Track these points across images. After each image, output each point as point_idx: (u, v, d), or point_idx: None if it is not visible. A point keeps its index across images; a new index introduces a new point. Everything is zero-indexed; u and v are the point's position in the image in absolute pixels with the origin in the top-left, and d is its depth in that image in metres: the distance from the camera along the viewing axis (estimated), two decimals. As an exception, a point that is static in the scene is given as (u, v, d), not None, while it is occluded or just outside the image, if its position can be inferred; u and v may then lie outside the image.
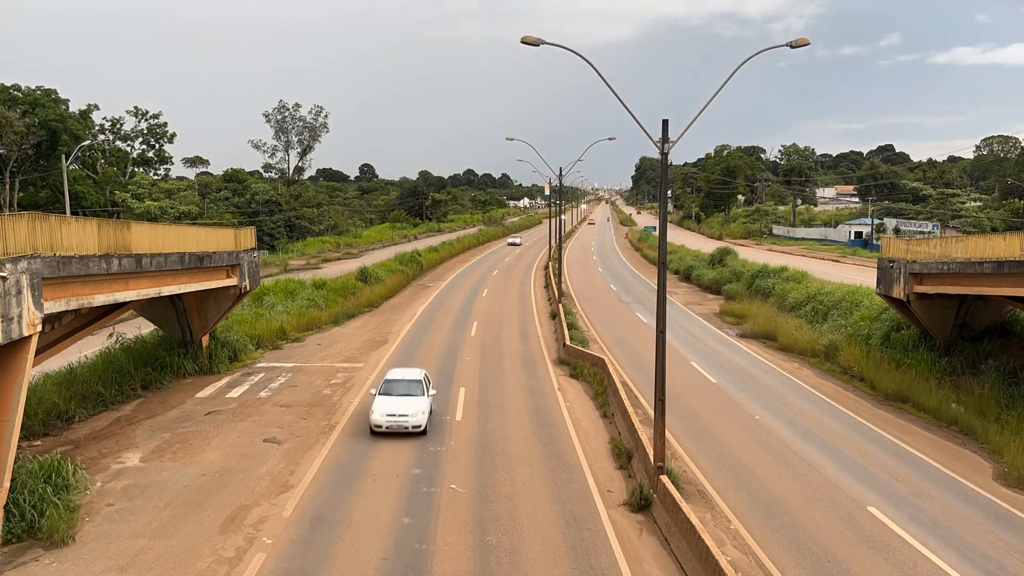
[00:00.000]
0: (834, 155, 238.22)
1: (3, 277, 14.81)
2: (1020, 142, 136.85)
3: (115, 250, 19.88)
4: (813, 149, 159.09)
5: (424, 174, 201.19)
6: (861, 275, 51.74)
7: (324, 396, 27.02)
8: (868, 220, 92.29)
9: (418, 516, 16.91)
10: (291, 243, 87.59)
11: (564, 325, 37.29)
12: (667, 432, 19.00)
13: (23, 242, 15.82)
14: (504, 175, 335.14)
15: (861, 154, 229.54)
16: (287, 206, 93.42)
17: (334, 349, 35.70)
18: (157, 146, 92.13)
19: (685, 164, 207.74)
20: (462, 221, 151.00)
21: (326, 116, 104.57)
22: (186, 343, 29.72)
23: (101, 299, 19.75)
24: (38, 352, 18.23)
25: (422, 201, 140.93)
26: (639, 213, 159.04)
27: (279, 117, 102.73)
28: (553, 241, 70.69)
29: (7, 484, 15.35)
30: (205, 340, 30.32)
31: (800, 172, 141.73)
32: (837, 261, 72.86)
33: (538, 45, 18.20)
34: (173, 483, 18.68)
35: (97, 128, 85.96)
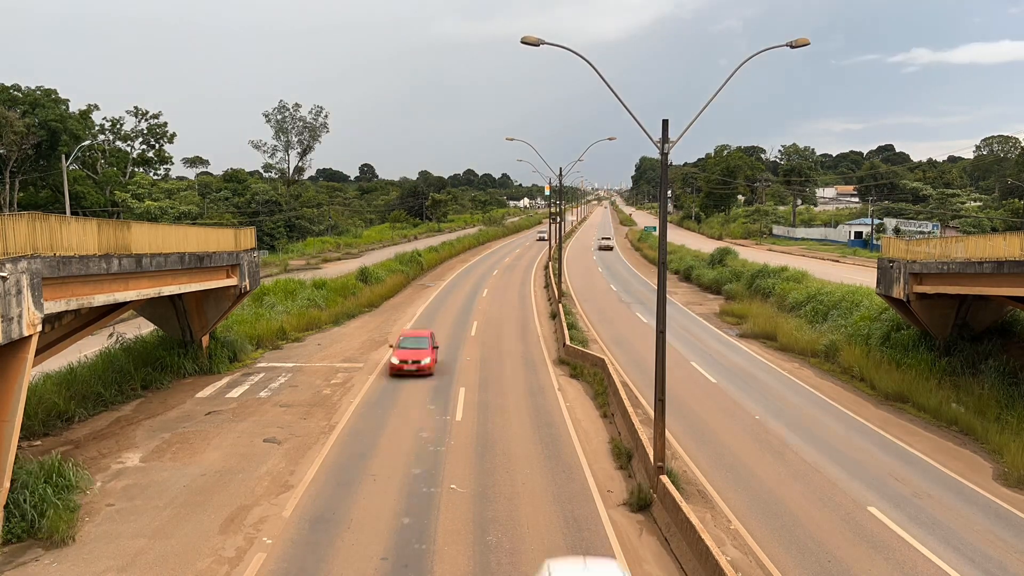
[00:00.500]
0: (834, 155, 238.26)
1: (3, 277, 14.81)
2: (1020, 142, 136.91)
3: (115, 250, 19.88)
4: (813, 149, 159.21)
5: (424, 174, 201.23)
6: (861, 275, 51.75)
7: (324, 396, 27.02)
8: (868, 220, 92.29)
9: (418, 516, 16.91)
10: (291, 243, 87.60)
11: (564, 325, 37.29)
12: (667, 432, 19.01)
13: (23, 242, 15.83)
14: (504, 175, 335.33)
15: (861, 154, 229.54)
16: (287, 206, 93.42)
17: (334, 349, 35.71)
18: (157, 146, 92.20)
19: (685, 164, 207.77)
20: (462, 221, 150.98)
21: (326, 116, 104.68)
22: (186, 343, 29.72)
23: (101, 299, 19.75)
24: (38, 352, 18.23)
25: (422, 201, 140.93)
26: (640, 217, 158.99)
27: (279, 117, 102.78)
28: (553, 241, 70.68)
29: (7, 484, 15.36)
30: (205, 340, 30.33)
31: (800, 172, 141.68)
32: (837, 261, 72.85)
33: (538, 45, 18.20)
34: (173, 483, 18.68)
35: (97, 128, 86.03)
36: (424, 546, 15.48)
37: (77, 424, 23.35)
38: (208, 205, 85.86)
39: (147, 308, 28.50)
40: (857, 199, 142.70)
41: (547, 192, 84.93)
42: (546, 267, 69.01)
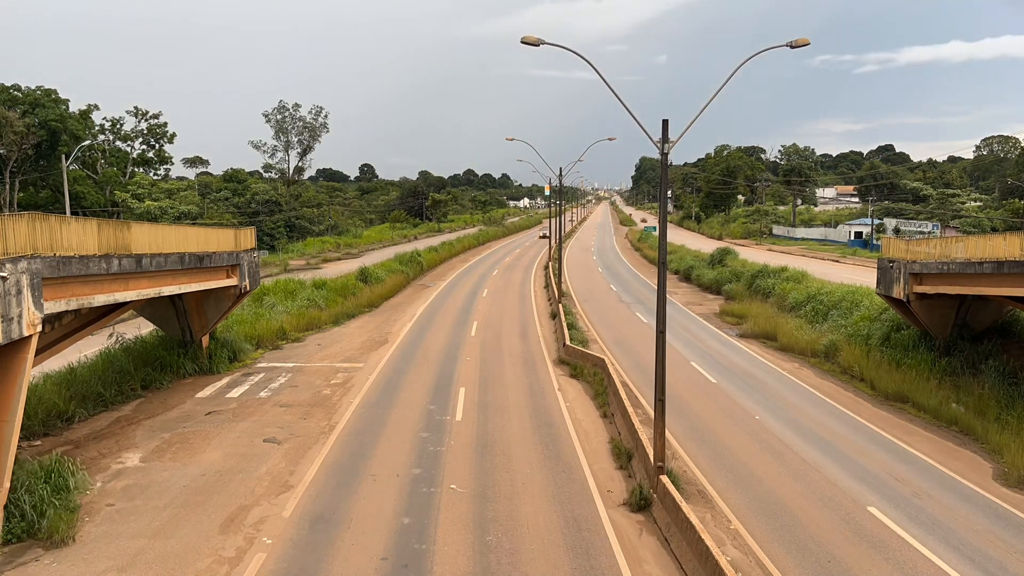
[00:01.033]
0: (834, 155, 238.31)
1: (3, 277, 14.82)
2: (1020, 142, 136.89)
3: (115, 250, 19.89)
4: (813, 149, 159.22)
5: (424, 174, 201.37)
6: (861, 275, 51.76)
7: (324, 396, 27.02)
8: (868, 220, 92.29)
9: (418, 516, 16.91)
10: (291, 243, 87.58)
11: (564, 325, 37.29)
12: (667, 432, 19.02)
13: (23, 242, 15.83)
14: (504, 175, 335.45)
15: (861, 154, 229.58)
16: (287, 206, 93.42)
17: (334, 349, 35.71)
18: (157, 146, 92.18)
19: (685, 164, 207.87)
20: (462, 221, 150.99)
21: (326, 116, 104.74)
22: (186, 343, 29.73)
23: (101, 299, 19.75)
24: (38, 352, 18.24)
25: (422, 201, 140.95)
26: (644, 221, 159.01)
27: (279, 117, 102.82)
28: (553, 241, 70.70)
29: (7, 484, 15.36)
30: (205, 340, 30.33)
31: (800, 172, 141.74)
32: (837, 261, 72.85)
33: (538, 45, 18.20)
34: (173, 483, 18.68)
35: (97, 128, 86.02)
36: (424, 546, 15.48)
37: (77, 424, 23.35)
38: (208, 205, 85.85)
39: (147, 308, 28.50)
40: (857, 199, 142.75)
41: (547, 192, 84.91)
42: (546, 267, 69.00)
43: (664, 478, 17.17)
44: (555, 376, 30.50)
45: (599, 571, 14.61)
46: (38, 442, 21.36)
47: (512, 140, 50.74)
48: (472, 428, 23.38)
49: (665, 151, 16.99)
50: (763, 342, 37.87)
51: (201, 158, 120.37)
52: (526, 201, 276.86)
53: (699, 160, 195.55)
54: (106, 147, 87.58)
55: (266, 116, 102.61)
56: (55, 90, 78.86)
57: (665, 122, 17.13)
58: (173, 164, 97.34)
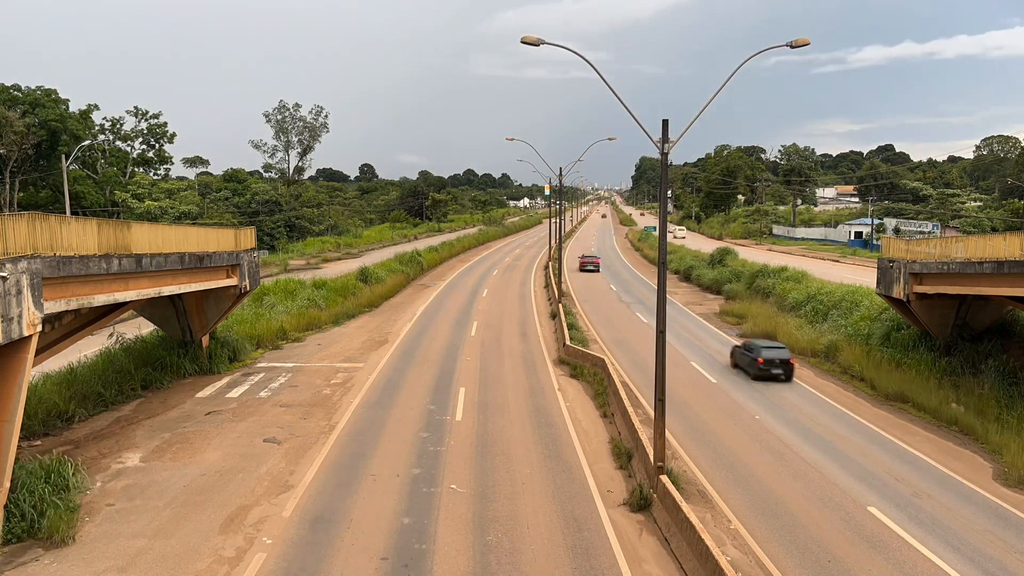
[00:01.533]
0: (834, 155, 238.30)
1: (3, 277, 14.81)
2: (1020, 142, 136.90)
3: (115, 250, 19.88)
4: (813, 149, 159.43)
5: (424, 174, 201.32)
6: (861, 275, 51.76)
7: (324, 396, 27.02)
8: (868, 220, 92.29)
9: (418, 516, 16.91)
10: (291, 243, 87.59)
11: (564, 325, 37.28)
12: (667, 432, 19.02)
13: (23, 242, 15.83)
14: (504, 175, 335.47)
15: (861, 154, 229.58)
16: (287, 206, 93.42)
17: (334, 349, 35.70)
18: (157, 146, 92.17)
19: (685, 164, 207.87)
20: (462, 221, 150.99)
21: (326, 116, 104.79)
22: (186, 343, 29.72)
23: (101, 299, 19.75)
24: (38, 352, 18.24)
25: (422, 201, 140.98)
26: (643, 215, 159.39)
27: (279, 117, 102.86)
28: (553, 241, 70.69)
29: (7, 484, 15.36)
30: (205, 340, 30.32)
31: (800, 172, 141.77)
32: (837, 261, 72.86)
33: (538, 45, 18.20)
34: (173, 483, 18.68)
35: (97, 128, 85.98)
36: (424, 546, 15.48)
37: (77, 424, 23.34)
38: (208, 205, 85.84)
39: (147, 308, 28.49)
40: (857, 199, 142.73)
41: (547, 192, 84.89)
42: (546, 267, 68.99)
43: (664, 478, 17.17)
44: (555, 376, 30.50)
45: (599, 571, 14.61)
46: (38, 442, 21.36)
47: (512, 140, 50.72)
48: (472, 428, 23.38)
49: (665, 151, 16.99)
50: (763, 342, 37.84)
51: (201, 158, 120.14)
52: (526, 201, 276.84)
53: (699, 160, 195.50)
54: (106, 147, 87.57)
55: (266, 116, 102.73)
56: (55, 90, 78.89)
57: (665, 122, 17.13)
58: (173, 164, 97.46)
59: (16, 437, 15.42)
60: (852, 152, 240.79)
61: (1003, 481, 19.84)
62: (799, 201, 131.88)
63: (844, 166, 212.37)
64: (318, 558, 14.92)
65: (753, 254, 74.20)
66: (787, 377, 29.66)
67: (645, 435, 20.12)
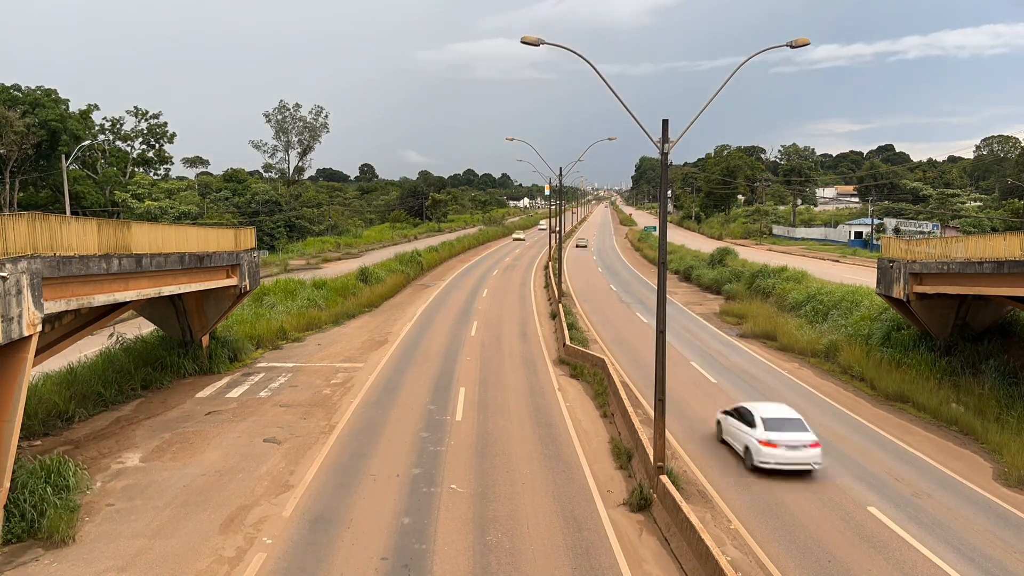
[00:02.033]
0: (834, 155, 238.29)
1: (3, 277, 14.81)
2: (1020, 142, 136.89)
3: (115, 250, 19.88)
4: (813, 149, 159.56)
5: (424, 174, 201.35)
6: (861, 275, 51.76)
7: (324, 396, 27.02)
8: (868, 220, 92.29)
9: (418, 516, 16.91)
10: (291, 243, 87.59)
11: (564, 325, 37.28)
12: (667, 432, 19.01)
13: (23, 242, 15.83)
14: (504, 175, 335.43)
15: (861, 154, 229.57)
16: (287, 206, 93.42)
17: (334, 349, 35.70)
18: (157, 146, 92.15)
19: (685, 164, 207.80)
20: (462, 221, 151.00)
21: (326, 116, 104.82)
22: (186, 343, 29.72)
23: (101, 299, 19.75)
24: (38, 352, 18.23)
25: (422, 201, 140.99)
26: (641, 217, 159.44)
27: (279, 117, 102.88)
28: (553, 241, 70.67)
29: (7, 484, 15.35)
30: (205, 340, 30.32)
31: (800, 172, 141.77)
32: (837, 261, 72.86)
33: (538, 45, 18.21)
34: (173, 483, 18.68)
35: (97, 128, 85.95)
36: (424, 546, 15.47)
37: (77, 424, 23.34)
38: (208, 205, 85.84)
39: (147, 308, 28.49)
40: (857, 199, 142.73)
41: (547, 192, 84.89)
42: (546, 267, 69.00)
43: (664, 478, 17.17)
44: (555, 376, 30.50)
45: (599, 571, 14.61)
46: (38, 442, 21.36)
47: (512, 140, 50.71)
48: (472, 428, 23.38)
49: (665, 151, 16.99)
50: (763, 342, 37.87)
51: (201, 158, 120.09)
52: (526, 201, 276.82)
53: (699, 160, 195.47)
54: (106, 147, 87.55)
55: (267, 116, 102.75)
56: (55, 90, 78.83)
57: (665, 122, 17.13)
58: (173, 164, 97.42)
59: (16, 437, 15.42)
60: (852, 152, 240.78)
61: (1003, 481, 19.84)
62: (799, 201, 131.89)
63: (844, 166, 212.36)
64: (318, 558, 14.92)
65: (753, 254, 74.20)
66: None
67: (645, 435, 20.12)
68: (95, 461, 20.04)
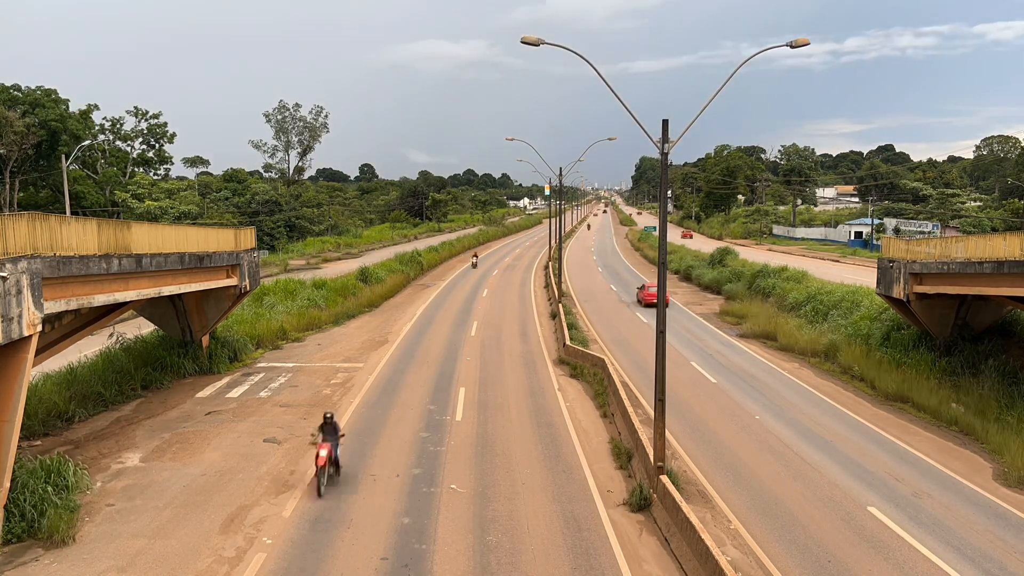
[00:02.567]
0: (834, 155, 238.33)
1: (3, 277, 14.81)
2: (1020, 142, 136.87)
3: (115, 250, 19.88)
4: (813, 149, 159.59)
5: (424, 174, 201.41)
6: (861, 275, 51.76)
7: (324, 396, 27.02)
8: (868, 220, 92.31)
9: (418, 516, 16.91)
10: (291, 243, 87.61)
11: (564, 325, 37.29)
12: (667, 432, 19.01)
13: (23, 242, 15.82)
14: (504, 175, 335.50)
15: (861, 154, 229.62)
16: (287, 206, 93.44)
17: (334, 349, 35.71)
18: (157, 146, 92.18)
19: (685, 164, 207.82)
20: (462, 221, 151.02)
21: (326, 116, 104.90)
22: (186, 343, 29.72)
23: (101, 299, 19.75)
24: (38, 352, 18.23)
25: (422, 201, 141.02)
26: (639, 214, 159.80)
27: (279, 117, 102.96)
28: (553, 241, 70.68)
29: (7, 484, 15.35)
30: (205, 340, 30.32)
31: (800, 172, 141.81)
32: (837, 261, 72.86)
33: (538, 45, 18.20)
34: (173, 483, 18.68)
35: (97, 128, 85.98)
36: (424, 546, 15.48)
37: (77, 424, 23.34)
38: (208, 205, 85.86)
39: (147, 308, 28.49)
40: (857, 199, 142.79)
41: (547, 192, 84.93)
42: (546, 267, 69.00)
43: (664, 478, 17.17)
44: (555, 376, 30.50)
45: (599, 571, 14.61)
46: (38, 442, 21.36)
47: (512, 140, 50.72)
48: (472, 428, 23.38)
49: (665, 151, 16.99)
50: (763, 342, 37.87)
51: (201, 158, 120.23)
52: (526, 201, 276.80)
53: (699, 160, 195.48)
54: (106, 147, 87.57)
55: (266, 116, 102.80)
56: (55, 90, 78.84)
57: (665, 122, 17.13)
58: (173, 164, 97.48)
59: (16, 437, 15.42)
60: (852, 152, 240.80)
61: (1003, 481, 19.84)
62: (799, 201, 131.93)
63: (844, 166, 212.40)
64: (318, 558, 14.92)
65: (753, 254, 74.21)
66: None
67: (645, 435, 20.12)
68: (95, 461, 20.04)
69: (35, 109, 75.43)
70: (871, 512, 17.61)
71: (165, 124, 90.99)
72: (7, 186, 73.17)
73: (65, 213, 51.90)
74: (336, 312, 44.33)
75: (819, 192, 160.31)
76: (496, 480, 19.10)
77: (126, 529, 16.10)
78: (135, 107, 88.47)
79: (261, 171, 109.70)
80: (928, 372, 27.82)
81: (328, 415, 18.85)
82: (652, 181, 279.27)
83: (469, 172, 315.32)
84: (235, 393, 27.26)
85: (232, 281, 28.62)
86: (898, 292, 29.00)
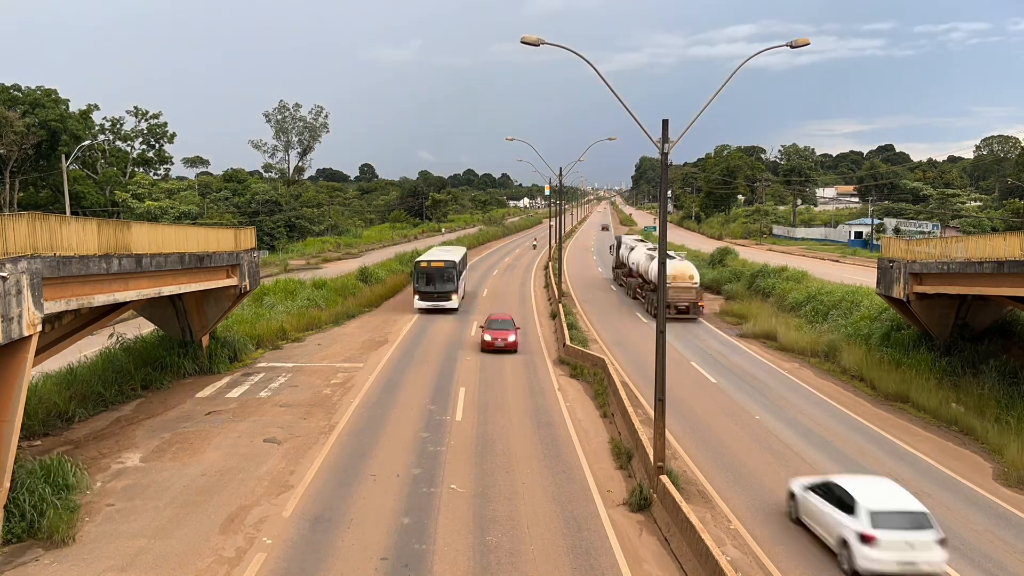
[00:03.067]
0: (834, 155, 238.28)
1: (3, 277, 14.81)
2: (1020, 142, 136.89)
3: (115, 250, 19.88)
4: (813, 149, 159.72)
5: (424, 174, 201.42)
6: (861, 275, 51.74)
7: (324, 396, 27.01)
8: (868, 220, 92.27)
9: (418, 516, 16.91)
10: (291, 243, 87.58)
11: (564, 325, 37.29)
12: (667, 432, 19.01)
13: (23, 242, 15.82)
14: (504, 175, 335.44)
15: (861, 154, 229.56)
16: (287, 206, 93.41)
17: (334, 349, 35.70)
18: (157, 146, 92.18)
19: (685, 164, 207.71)
20: (462, 221, 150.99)
21: (326, 116, 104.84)
22: (186, 343, 29.71)
23: (101, 299, 19.75)
24: (38, 352, 18.22)
25: (422, 201, 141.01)
26: (641, 217, 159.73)
27: (279, 117, 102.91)
28: (553, 241, 70.65)
29: (7, 484, 15.35)
30: (205, 340, 30.31)
31: (800, 172, 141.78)
32: (837, 261, 72.84)
33: (538, 45, 18.20)
34: (173, 483, 18.68)
35: (97, 128, 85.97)
36: (424, 546, 15.47)
37: (77, 424, 23.34)
38: (208, 205, 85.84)
39: (147, 308, 28.49)
40: (857, 199, 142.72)
41: (547, 192, 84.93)
42: (546, 267, 68.99)
43: (664, 478, 17.17)
44: (555, 376, 30.50)
45: (599, 571, 14.61)
46: (38, 442, 21.36)
47: (512, 140, 50.71)
48: (472, 428, 23.38)
49: (665, 151, 16.99)
50: (763, 342, 37.86)
51: (201, 158, 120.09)
52: (526, 201, 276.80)
53: (699, 160, 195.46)
54: (106, 147, 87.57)
55: (266, 116, 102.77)
56: (55, 90, 78.84)
57: (665, 122, 17.13)
58: (173, 164, 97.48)
59: (16, 437, 15.43)
60: (852, 152, 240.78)
61: (1003, 481, 19.84)
62: (799, 201, 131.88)
63: (844, 166, 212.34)
64: (318, 558, 14.92)
65: (753, 254, 74.17)
66: None
67: (645, 435, 20.11)
68: (95, 461, 20.04)
69: (35, 109, 75.42)
70: (871, 512, 17.57)
71: (165, 124, 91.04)
72: (7, 186, 73.17)
73: (65, 213, 51.90)
74: (336, 312, 44.31)
75: (819, 192, 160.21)
76: (496, 480, 19.10)
77: (126, 529, 16.10)
78: (135, 107, 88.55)
79: (261, 171, 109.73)
80: (928, 372, 27.82)
81: None
82: (652, 181, 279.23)
83: (469, 172, 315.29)
84: (235, 393, 27.26)
85: (232, 281, 28.62)
86: (898, 292, 29.00)
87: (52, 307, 17.18)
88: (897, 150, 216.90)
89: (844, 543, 14.73)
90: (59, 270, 17.11)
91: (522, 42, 18.11)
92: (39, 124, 74.07)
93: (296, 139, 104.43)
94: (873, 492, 15.27)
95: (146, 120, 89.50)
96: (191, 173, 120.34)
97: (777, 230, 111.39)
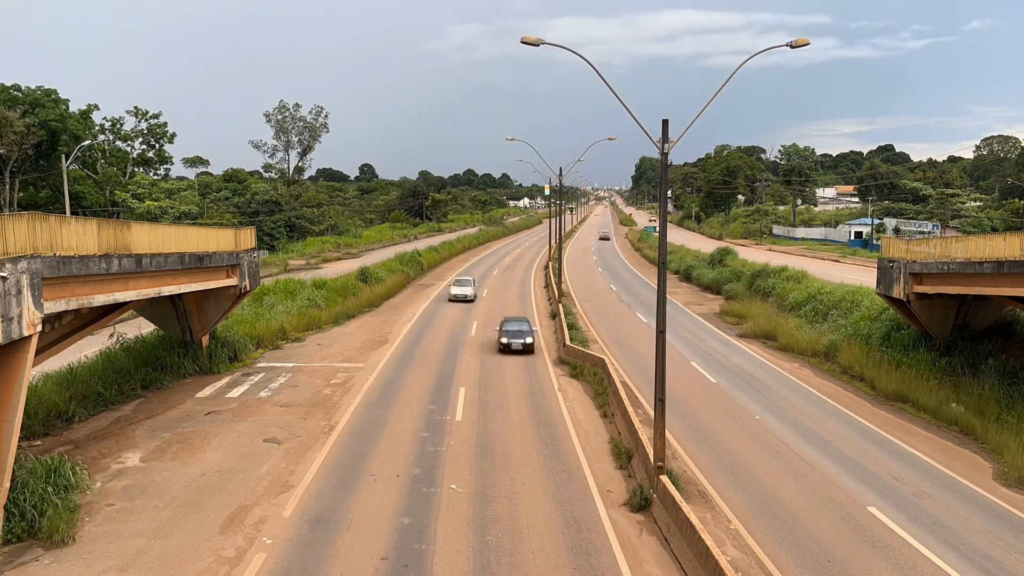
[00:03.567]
0: (834, 155, 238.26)
1: (3, 277, 14.82)
2: (1020, 142, 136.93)
3: (115, 250, 19.88)
4: (813, 149, 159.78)
5: (424, 174, 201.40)
6: (861, 275, 51.75)
7: (324, 396, 27.02)
8: (868, 220, 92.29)
9: (418, 516, 16.91)
10: (291, 243, 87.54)
11: (564, 325, 37.29)
12: (667, 432, 19.01)
13: (23, 242, 15.82)
14: (504, 175, 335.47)
15: (861, 154, 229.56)
16: (287, 206, 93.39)
17: (334, 349, 35.70)
18: (157, 146, 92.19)
19: (685, 164, 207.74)
20: (462, 221, 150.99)
21: (326, 116, 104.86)
22: (186, 343, 29.71)
23: (101, 299, 19.75)
24: (38, 352, 18.22)
25: (422, 201, 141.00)
26: (641, 217, 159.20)
27: (279, 117, 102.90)
28: (553, 241, 70.68)
29: (7, 484, 15.35)
30: (205, 340, 30.32)
31: (800, 172, 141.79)
32: (837, 261, 72.85)
33: (538, 45, 18.21)
34: (173, 483, 18.68)
35: (97, 128, 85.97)
36: (424, 546, 15.48)
37: (77, 424, 23.34)
38: (208, 205, 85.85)
39: (147, 308, 28.49)
40: (857, 199, 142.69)
41: (547, 192, 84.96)
42: (546, 267, 69.01)
43: (664, 478, 17.17)
44: (555, 376, 30.50)
45: (599, 571, 14.61)
46: (38, 442, 21.36)
47: (512, 140, 50.72)
48: (472, 428, 23.38)
49: (665, 151, 16.99)
50: (763, 342, 37.88)
51: (201, 158, 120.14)
52: (526, 201, 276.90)
53: (699, 160, 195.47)
54: (106, 147, 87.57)
55: (267, 116, 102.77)
56: (55, 90, 78.83)
57: (665, 122, 17.14)
58: (173, 164, 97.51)
59: (16, 437, 15.43)
60: (852, 152, 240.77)
61: (1003, 481, 19.84)
62: (799, 201, 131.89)
63: (844, 166, 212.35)
64: (318, 558, 14.92)
65: (753, 254, 74.20)
66: None
67: (645, 435, 20.12)
68: (95, 461, 20.04)
69: (35, 109, 75.43)
70: (871, 512, 17.62)
71: (165, 124, 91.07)
72: (7, 186, 73.18)
73: (65, 213, 51.91)
74: (336, 312, 44.31)
75: (819, 192, 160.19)
76: (496, 480, 19.10)
77: (126, 529, 16.10)
78: (135, 107, 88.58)
79: (261, 171, 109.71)
80: (928, 372, 27.83)
81: None
82: (652, 181, 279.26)
83: (469, 172, 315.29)
84: (235, 393, 27.26)
85: (232, 281, 28.62)
86: (898, 292, 29.01)
87: (52, 307, 17.18)
88: (897, 150, 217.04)
89: None
90: (59, 270, 17.11)
91: (522, 42, 18.12)
92: (39, 124, 74.07)
93: (296, 139, 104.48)
94: None
95: (146, 120, 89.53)
96: (191, 173, 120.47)
97: (777, 230, 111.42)
